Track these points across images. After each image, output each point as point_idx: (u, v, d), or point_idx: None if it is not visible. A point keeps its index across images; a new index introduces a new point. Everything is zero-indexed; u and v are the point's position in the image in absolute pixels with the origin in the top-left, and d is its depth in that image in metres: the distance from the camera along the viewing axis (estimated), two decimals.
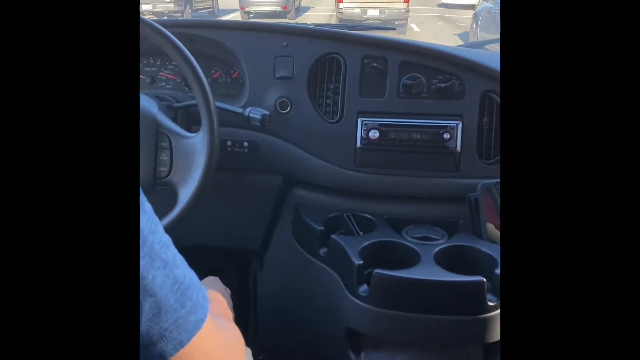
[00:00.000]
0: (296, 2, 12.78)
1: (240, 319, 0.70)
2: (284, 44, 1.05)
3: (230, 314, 0.70)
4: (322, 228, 0.99)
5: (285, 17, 11.60)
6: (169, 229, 0.47)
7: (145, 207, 0.42)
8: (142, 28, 0.83)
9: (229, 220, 1.17)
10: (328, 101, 1.04)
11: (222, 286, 0.88)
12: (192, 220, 0.87)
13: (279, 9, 11.85)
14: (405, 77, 1.01)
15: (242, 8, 11.75)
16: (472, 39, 7.80)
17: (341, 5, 10.22)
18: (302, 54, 1.04)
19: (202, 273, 0.48)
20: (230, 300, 0.82)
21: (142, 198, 0.43)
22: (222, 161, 0.89)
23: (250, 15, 10.43)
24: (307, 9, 13.18)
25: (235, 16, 11.76)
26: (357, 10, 10.03)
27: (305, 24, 1.26)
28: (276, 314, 1.20)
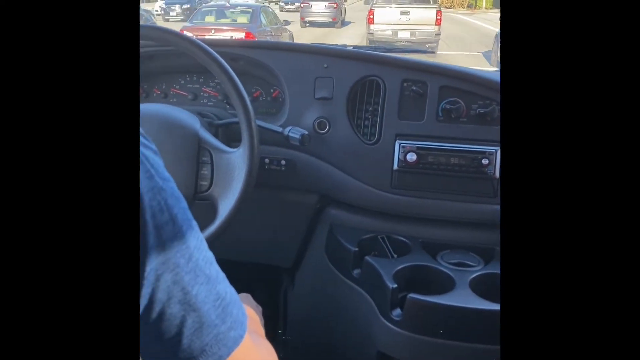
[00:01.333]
0: (342, 15, 16.13)
1: (269, 336, 0.70)
2: (325, 65, 1.06)
3: (262, 331, 0.70)
4: (357, 249, 0.99)
5: (334, 27, 14.96)
6: (207, 242, 0.49)
7: (193, 224, 0.43)
8: (186, 45, 0.86)
9: (262, 237, 1.18)
10: (366, 122, 1.05)
11: (254, 303, 0.89)
12: (226, 235, 0.88)
13: (329, 20, 15.18)
14: (444, 101, 1.01)
15: (302, 18, 15.28)
16: (493, 59, 7.83)
17: (372, 27, 10.28)
18: (342, 76, 1.05)
19: (233, 287, 0.49)
20: (262, 318, 0.83)
21: (190, 215, 0.44)
22: (259, 178, 0.90)
23: (307, 24, 12.63)
24: (348, 23, 14.65)
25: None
26: (388, 32, 10.05)
27: (345, 45, 1.28)
28: (306, 333, 1.20)
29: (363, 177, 1.04)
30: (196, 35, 7.81)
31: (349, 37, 12.53)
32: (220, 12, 8.76)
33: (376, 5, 10.49)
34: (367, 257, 0.95)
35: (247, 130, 0.86)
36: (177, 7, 18.35)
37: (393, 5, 10.31)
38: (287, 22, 10.62)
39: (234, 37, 7.03)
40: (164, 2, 19.03)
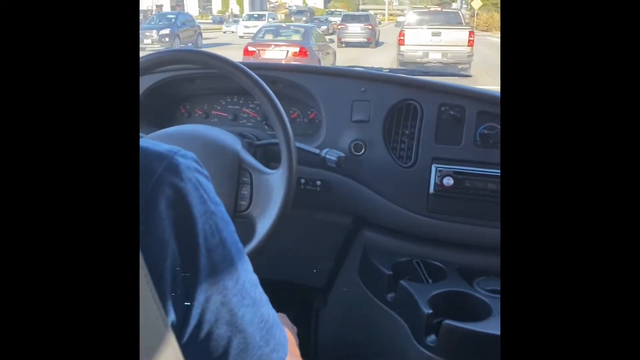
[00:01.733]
0: (376, 36, 17.50)
1: (302, 358, 0.70)
2: (362, 89, 1.08)
3: (297, 352, 0.71)
4: (391, 272, 0.98)
5: (369, 47, 16.18)
6: None
7: (240, 247, 0.45)
8: (228, 69, 0.89)
9: (296, 256, 1.19)
10: (402, 145, 1.05)
11: (290, 323, 0.89)
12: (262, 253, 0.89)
13: (365, 40, 16.47)
14: (482, 127, 1.01)
15: (339, 39, 16.37)
16: None
17: (402, 48, 10.18)
18: (379, 99, 1.06)
19: None
20: (297, 338, 0.83)
21: (237, 238, 0.45)
22: (294, 198, 0.91)
23: (343, 45, 13.59)
24: (382, 43, 15.50)
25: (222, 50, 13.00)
26: (419, 53, 9.91)
27: (381, 68, 1.29)
28: (337, 355, 1.19)
29: (398, 199, 1.04)
30: (259, 50, 9.31)
31: (384, 57, 12.75)
32: (277, 31, 10.50)
33: (407, 27, 10.44)
34: (401, 281, 0.95)
35: (286, 152, 0.88)
36: (153, 33, 14.20)
37: (424, 27, 10.22)
38: (331, 41, 12.60)
39: (289, 52, 9.05)
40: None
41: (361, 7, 50.84)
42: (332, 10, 29.29)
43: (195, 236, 0.41)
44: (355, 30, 16.50)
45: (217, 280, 0.42)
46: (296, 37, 9.89)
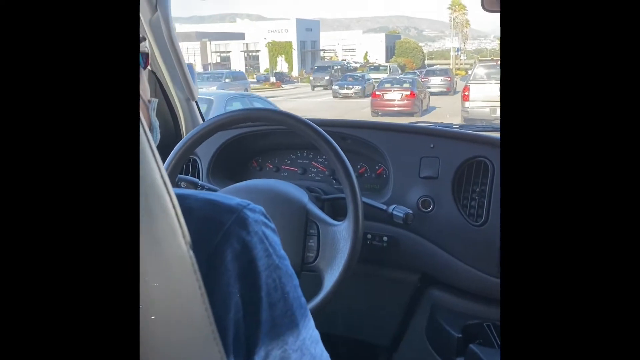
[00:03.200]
0: (454, 86, 20.53)
1: None
2: (431, 145, 1.08)
3: None
4: (460, 335, 0.94)
5: (448, 95, 18.61)
6: (313, 313, 0.49)
7: (302, 302, 0.45)
8: (297, 125, 0.91)
9: (362, 312, 1.17)
10: (473, 203, 1.03)
11: None
12: (327, 307, 0.89)
13: (445, 89, 20.01)
14: None
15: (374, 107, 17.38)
16: None
17: (467, 104, 9.73)
18: (449, 156, 1.06)
19: None
20: None
21: (300, 292, 0.45)
22: (361, 253, 0.91)
23: (380, 114, 13.69)
24: (433, 108, 15.01)
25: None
26: (485, 110, 9.39)
27: (451, 124, 1.29)
28: None
29: (468, 259, 1.01)
30: (382, 93, 13.62)
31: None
32: (394, 80, 14.83)
33: (472, 82, 10.02)
34: (471, 345, 0.90)
35: (352, 204, 0.89)
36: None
37: (493, 82, 9.75)
38: (428, 87, 16.94)
39: (403, 95, 13.21)
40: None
41: (427, 62, 51.35)
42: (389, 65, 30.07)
43: (258, 289, 0.41)
44: (436, 82, 20.59)
45: (277, 334, 0.42)
46: (406, 85, 13.97)
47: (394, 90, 13.57)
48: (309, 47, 44.87)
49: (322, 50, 48.77)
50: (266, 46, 40.97)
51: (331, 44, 56.50)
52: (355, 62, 39.90)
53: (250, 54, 42.86)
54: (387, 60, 44.20)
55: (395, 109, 13.06)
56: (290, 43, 41.26)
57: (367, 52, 51.73)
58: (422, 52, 52.92)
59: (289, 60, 41.35)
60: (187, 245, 0.33)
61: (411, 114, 12.80)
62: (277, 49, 40.67)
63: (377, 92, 13.96)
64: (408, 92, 13.31)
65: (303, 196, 0.98)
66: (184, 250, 0.33)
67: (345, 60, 42.30)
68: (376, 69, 27.33)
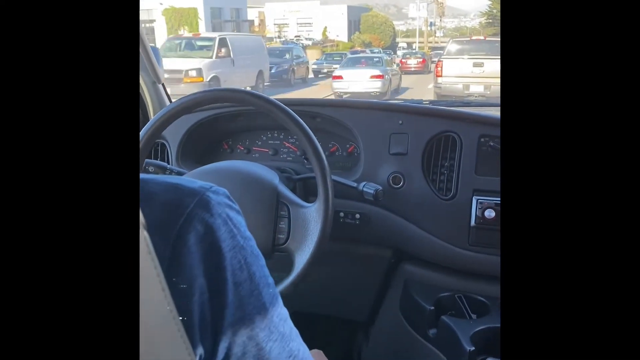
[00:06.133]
0: (429, 65, 21.17)
1: None
2: (400, 122, 1.08)
3: None
4: (432, 308, 0.96)
5: (423, 73, 19.45)
6: (283, 294, 0.49)
7: (269, 281, 0.45)
8: (265, 106, 0.91)
9: (337, 289, 1.19)
10: (442, 177, 1.04)
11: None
12: (301, 287, 0.90)
13: (420, 68, 21.83)
14: None
15: (400, 68, 17.49)
16: None
17: (440, 80, 9.44)
18: (418, 132, 1.06)
19: (307, 342, 0.50)
20: None
21: (267, 272, 0.45)
22: (333, 231, 0.91)
23: (403, 73, 14.84)
24: (405, 89, 14.65)
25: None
26: (458, 86, 9.15)
27: (421, 100, 1.30)
28: None
29: (439, 233, 1.03)
30: (348, 73, 12.35)
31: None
32: (359, 59, 14.12)
33: (445, 57, 9.79)
34: (443, 317, 0.93)
35: (322, 187, 0.89)
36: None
37: (465, 57, 9.50)
38: (398, 65, 17.35)
39: (371, 74, 12.08)
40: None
41: (398, 39, 47.06)
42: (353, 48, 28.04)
43: (223, 270, 0.41)
44: (412, 63, 22.65)
45: (244, 314, 0.42)
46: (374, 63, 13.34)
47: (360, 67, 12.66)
48: (226, 17, 27.59)
49: (249, 20, 30.65)
50: (163, 14, 25.14)
51: (285, 17, 44.51)
52: (308, 39, 33.50)
53: (144, 25, 24.15)
54: (349, 38, 38.14)
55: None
56: (194, 9, 24.76)
57: (325, 27, 40.22)
58: (393, 28, 44.62)
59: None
60: (141, 226, 0.32)
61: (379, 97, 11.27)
62: (178, 17, 24.93)
63: (336, 73, 12.62)
64: (375, 72, 12.13)
65: (274, 178, 0.98)
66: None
67: (298, 37, 35.51)
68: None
